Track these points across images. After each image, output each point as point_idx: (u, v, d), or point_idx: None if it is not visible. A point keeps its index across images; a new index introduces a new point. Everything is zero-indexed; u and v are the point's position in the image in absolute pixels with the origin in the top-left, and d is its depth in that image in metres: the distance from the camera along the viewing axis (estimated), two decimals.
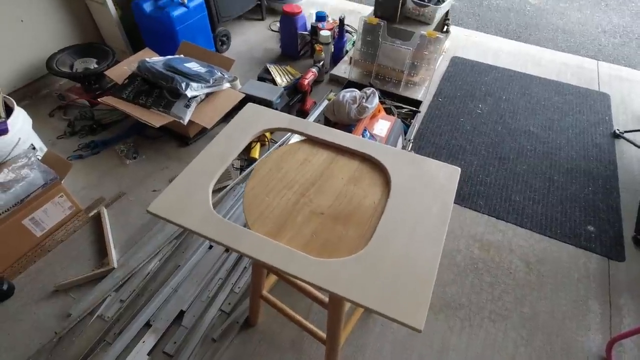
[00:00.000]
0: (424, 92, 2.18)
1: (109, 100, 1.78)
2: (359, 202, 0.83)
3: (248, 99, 1.89)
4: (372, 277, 0.68)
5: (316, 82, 2.29)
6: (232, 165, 1.82)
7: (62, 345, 1.23)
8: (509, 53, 2.66)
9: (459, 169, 0.88)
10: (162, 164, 1.82)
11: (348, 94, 1.49)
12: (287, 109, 2.02)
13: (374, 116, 1.54)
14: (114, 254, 1.45)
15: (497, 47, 2.72)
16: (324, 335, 1.02)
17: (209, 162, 0.87)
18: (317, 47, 2.21)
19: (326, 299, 0.92)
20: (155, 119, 1.70)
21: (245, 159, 1.84)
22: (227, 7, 2.43)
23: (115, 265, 1.41)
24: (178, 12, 2.07)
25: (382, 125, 1.51)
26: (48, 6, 2.05)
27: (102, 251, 1.48)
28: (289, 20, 2.35)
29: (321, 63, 2.21)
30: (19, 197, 1.35)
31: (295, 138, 1.71)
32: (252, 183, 0.86)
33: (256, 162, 1.72)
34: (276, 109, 1.93)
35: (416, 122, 2.01)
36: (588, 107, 2.22)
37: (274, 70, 2.21)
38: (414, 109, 2.03)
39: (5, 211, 1.32)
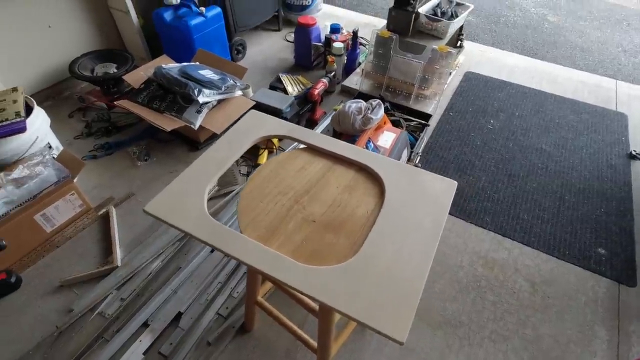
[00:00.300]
0: (434, 105, 2.17)
1: (124, 103, 1.84)
2: (351, 211, 0.83)
3: (258, 106, 1.92)
4: (358, 286, 0.68)
5: (327, 92, 2.32)
6: (239, 171, 1.84)
7: (62, 340, 1.25)
8: (524, 70, 2.63)
9: (456, 183, 0.87)
10: (171, 167, 1.86)
11: (354, 104, 1.51)
12: (296, 118, 2.05)
13: (379, 127, 1.55)
14: (118, 253, 1.48)
15: (512, 63, 2.69)
16: (315, 344, 1.02)
17: (207, 166, 0.89)
18: (330, 58, 2.24)
19: (317, 307, 0.92)
20: (167, 123, 1.75)
21: (253, 165, 1.87)
22: (244, 18, 2.50)
23: (119, 264, 1.44)
24: (196, 21, 2.14)
25: (387, 137, 1.51)
26: (75, 13, 2.15)
27: (108, 249, 1.52)
28: (303, 32, 2.39)
29: (332, 74, 2.23)
30: (32, 193, 1.41)
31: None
32: (248, 188, 0.88)
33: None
34: (286, 117, 1.96)
35: (425, 136, 2.01)
36: (604, 127, 2.17)
37: (285, 80, 2.25)
38: (423, 122, 2.03)
39: (18, 206, 1.38)
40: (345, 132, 1.53)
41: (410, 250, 0.74)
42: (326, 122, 2.08)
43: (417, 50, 2.06)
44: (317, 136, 0.99)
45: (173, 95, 1.83)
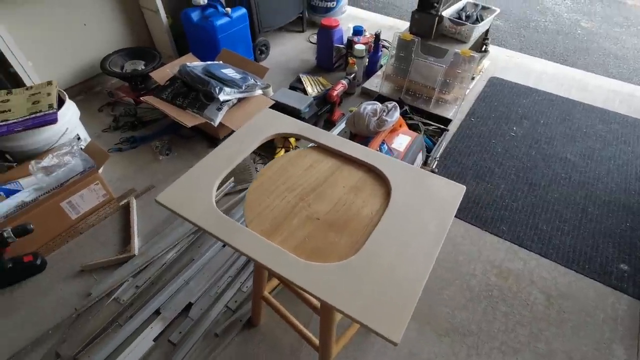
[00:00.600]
0: (455, 110, 2.14)
1: (150, 99, 1.91)
2: (356, 211, 0.83)
3: (277, 106, 1.95)
4: (356, 285, 0.68)
5: (347, 94, 2.32)
6: (256, 168, 1.88)
7: (79, 322, 1.32)
8: (552, 76, 2.55)
9: (464, 188, 0.86)
10: (191, 162, 1.91)
11: (369, 106, 1.51)
12: (315, 118, 2.06)
13: (394, 130, 1.54)
14: (136, 242, 1.54)
15: (540, 69, 2.61)
16: (318, 342, 1.02)
17: (218, 161, 0.92)
18: (351, 60, 2.25)
19: (319, 304, 0.92)
20: (188, 119, 1.81)
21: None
22: (268, 19, 2.55)
23: (136, 253, 1.50)
24: (221, 21, 2.20)
25: (402, 140, 1.50)
26: (109, 12, 2.26)
27: (127, 238, 1.58)
28: (325, 33, 2.41)
29: (352, 76, 2.24)
30: (59, 181, 1.49)
31: None
32: (256, 183, 0.90)
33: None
34: (304, 117, 1.98)
35: (444, 141, 1.98)
36: (635, 138, 2.07)
37: (305, 80, 2.27)
38: (443, 127, 2.00)
39: (46, 193, 1.46)
40: (360, 133, 1.53)
41: (412, 252, 0.74)
42: (344, 123, 2.08)
43: (439, 53, 2.04)
44: (328, 136, 1.00)
45: (196, 92, 1.88)
